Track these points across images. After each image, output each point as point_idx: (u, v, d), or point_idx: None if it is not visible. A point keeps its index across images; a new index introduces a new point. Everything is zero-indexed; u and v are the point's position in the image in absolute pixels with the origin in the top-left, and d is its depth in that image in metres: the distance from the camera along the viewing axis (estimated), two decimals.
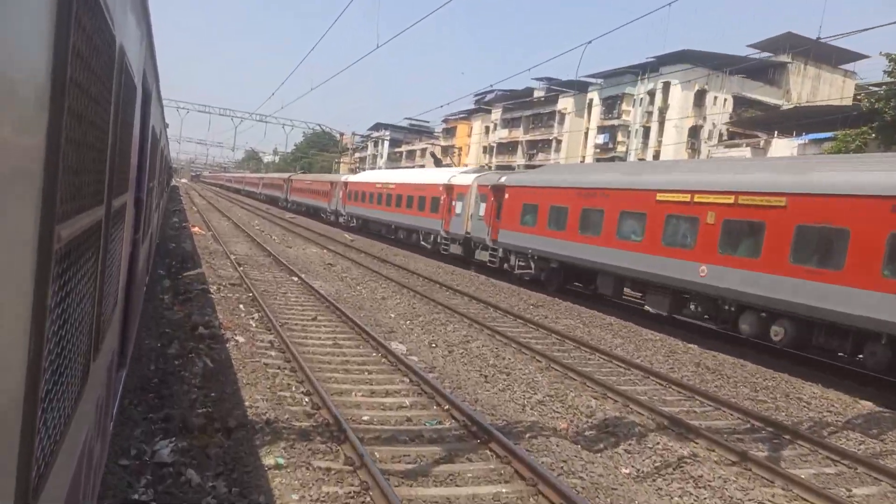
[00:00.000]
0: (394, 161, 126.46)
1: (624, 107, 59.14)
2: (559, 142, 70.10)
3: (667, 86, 53.72)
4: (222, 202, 70.47)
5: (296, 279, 18.91)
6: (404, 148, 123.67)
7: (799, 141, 42.43)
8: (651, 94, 56.42)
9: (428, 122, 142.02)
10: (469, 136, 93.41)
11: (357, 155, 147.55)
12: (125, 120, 3.27)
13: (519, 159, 77.18)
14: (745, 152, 46.26)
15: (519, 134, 77.99)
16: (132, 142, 4.10)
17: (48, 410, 1.60)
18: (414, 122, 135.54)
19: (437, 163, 52.58)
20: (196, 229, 31.11)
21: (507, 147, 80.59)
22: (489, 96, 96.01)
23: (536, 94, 76.28)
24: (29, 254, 1.32)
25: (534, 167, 71.93)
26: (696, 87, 52.53)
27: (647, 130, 57.25)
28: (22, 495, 1.35)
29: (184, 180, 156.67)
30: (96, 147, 2.18)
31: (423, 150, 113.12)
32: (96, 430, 3.04)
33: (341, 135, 68.31)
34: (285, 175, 68.54)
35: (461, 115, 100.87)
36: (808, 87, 56.53)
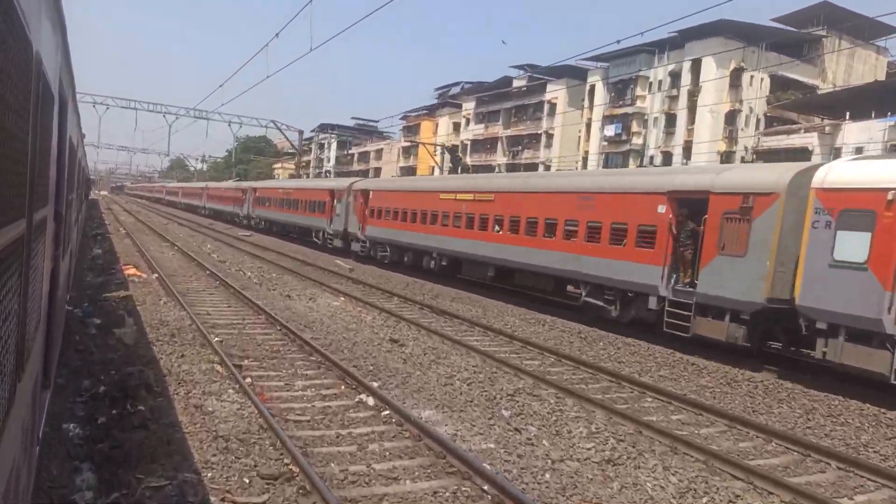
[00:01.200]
0: (343, 165, 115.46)
1: (639, 91, 50.80)
2: (550, 136, 61.36)
3: (697, 64, 45.56)
4: (154, 218, 58.34)
5: (372, 402, 8.83)
6: (356, 150, 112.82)
7: (888, 122, 34.89)
8: (675, 75, 48.20)
9: (377, 121, 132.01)
10: (434, 133, 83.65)
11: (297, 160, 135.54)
12: (44, 129, 3.09)
13: (499, 157, 68.06)
14: (812, 139, 38.54)
15: (498, 129, 68.82)
16: (50, 152, 3.76)
17: None
18: (362, 123, 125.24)
19: (456, 162, 42.41)
20: (132, 271, 20.25)
21: (484, 144, 71.29)
22: (455, 89, 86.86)
23: (516, 83, 67.46)
24: None
25: (517, 168, 63.03)
26: (733, 65, 44.61)
27: (670, 118, 49.03)
28: None
29: (104, 192, 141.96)
30: (16, 158, 2.09)
31: (379, 152, 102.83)
32: (23, 454, 2.88)
33: (301, 132, 57.59)
34: (337, 183, 35.58)
35: (422, 112, 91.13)
36: (843, 65, 49.70)
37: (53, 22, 3.54)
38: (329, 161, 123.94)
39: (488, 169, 66.33)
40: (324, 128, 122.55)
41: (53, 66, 3.62)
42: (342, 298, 18.19)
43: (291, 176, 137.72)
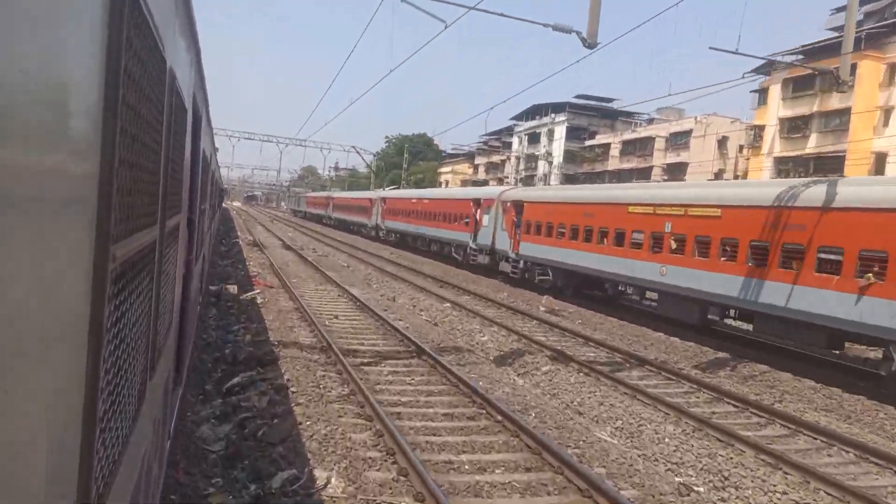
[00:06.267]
0: (577, 163, 73.15)
1: None
2: None
3: None
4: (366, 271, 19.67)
5: None
6: (607, 139, 70.42)
7: None
8: None
9: (612, 99, 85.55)
10: (892, 80, 39.45)
11: (479, 160, 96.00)
12: (176, 141, 3.19)
13: None
14: None
15: None
16: (184, 163, 3.95)
17: (106, 430, 1.57)
18: (594, 102, 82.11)
19: None
20: None
21: None
22: None
23: None
24: (85, 274, 1.29)
25: None
26: None
27: None
28: None
29: (236, 203, 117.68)
30: (149, 168, 2.14)
31: (681, 137, 60.11)
32: (154, 449, 2.97)
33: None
34: None
35: (802, 58, 46.70)
36: None
37: (187, 39, 3.58)
38: (553, 157, 79.92)
39: None
40: (536, 111, 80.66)
41: (187, 82, 3.75)
42: None
43: (466, 183, 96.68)
